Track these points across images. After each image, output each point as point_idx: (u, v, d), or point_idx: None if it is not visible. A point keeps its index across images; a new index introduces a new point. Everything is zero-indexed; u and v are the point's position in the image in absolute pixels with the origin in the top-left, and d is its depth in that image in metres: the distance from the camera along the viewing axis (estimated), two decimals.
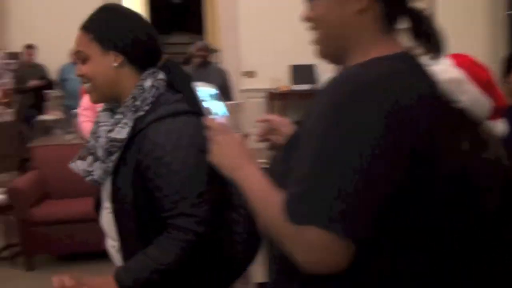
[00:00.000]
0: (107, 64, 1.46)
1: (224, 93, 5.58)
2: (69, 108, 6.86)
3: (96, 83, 1.49)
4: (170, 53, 7.33)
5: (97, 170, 1.51)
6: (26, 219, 3.86)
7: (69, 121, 4.81)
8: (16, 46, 7.54)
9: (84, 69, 1.48)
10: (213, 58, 6.19)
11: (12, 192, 3.91)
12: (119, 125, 1.45)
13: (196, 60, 5.61)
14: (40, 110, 6.86)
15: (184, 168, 1.41)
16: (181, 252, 1.41)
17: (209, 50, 5.85)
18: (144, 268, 1.42)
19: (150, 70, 1.50)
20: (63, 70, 7.54)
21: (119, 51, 1.46)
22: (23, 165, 5.85)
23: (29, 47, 7.31)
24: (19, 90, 6.96)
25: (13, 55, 7.37)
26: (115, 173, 1.48)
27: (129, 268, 1.44)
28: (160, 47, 1.54)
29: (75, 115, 4.90)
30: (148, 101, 1.46)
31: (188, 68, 5.84)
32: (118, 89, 1.48)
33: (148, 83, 1.47)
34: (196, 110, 1.49)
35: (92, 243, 3.81)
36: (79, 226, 3.83)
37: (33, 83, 6.91)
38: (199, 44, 5.83)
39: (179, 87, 1.52)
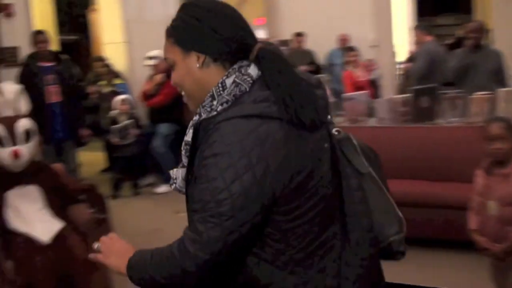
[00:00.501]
0: (190, 66, 1.36)
1: (499, 78, 5.13)
2: (336, 92, 7.18)
3: (186, 89, 1.40)
4: (437, 35, 7.03)
5: (179, 177, 1.44)
6: None
7: (338, 105, 5.01)
8: (287, 34, 8.15)
9: (174, 76, 1.41)
10: (486, 40, 5.73)
11: None
12: (191, 127, 1.35)
13: (469, 43, 5.27)
14: None
15: (220, 178, 1.23)
16: (173, 271, 1.29)
17: (483, 31, 5.43)
18: (146, 269, 1.34)
19: (238, 65, 1.35)
20: (331, 55, 7.89)
21: (200, 51, 1.34)
22: None
23: (299, 35, 7.82)
24: None
25: (284, 43, 7.98)
26: (187, 178, 1.38)
27: (139, 261, 1.36)
28: (250, 37, 1.37)
29: (344, 99, 5.09)
30: (223, 100, 1.31)
31: (459, 52, 5.53)
32: (207, 91, 1.35)
33: (230, 80, 1.32)
34: (280, 113, 1.27)
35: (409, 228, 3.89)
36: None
37: (302, 68, 7.39)
38: (471, 25, 5.45)
39: (269, 82, 1.31)
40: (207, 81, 1.35)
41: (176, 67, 1.39)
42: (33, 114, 3.11)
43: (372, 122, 4.80)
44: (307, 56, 7.72)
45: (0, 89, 2.94)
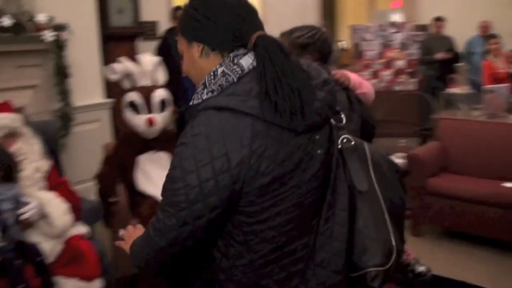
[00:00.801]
0: (193, 55, 1.34)
1: None
2: (474, 83, 6.69)
3: (192, 77, 1.39)
4: None
5: None
6: (422, 187, 3.98)
7: (476, 97, 4.66)
8: (426, 18, 7.74)
9: (183, 65, 1.41)
10: None
11: (412, 159, 4.08)
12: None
13: None
14: (445, 82, 6.91)
15: (179, 168, 1.22)
16: (147, 252, 1.33)
17: None
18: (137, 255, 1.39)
19: (233, 54, 1.29)
20: (470, 43, 7.37)
21: (198, 40, 1.32)
22: (423, 134, 6.05)
23: (438, 19, 7.37)
24: (425, 61, 7.15)
25: (422, 27, 7.58)
26: None
27: (133, 248, 1.41)
28: (251, 26, 1.30)
29: (483, 91, 4.73)
30: (210, 89, 1.27)
31: None
32: None
33: (221, 69, 1.28)
34: (257, 109, 1.20)
35: (480, 227, 3.71)
36: (472, 206, 3.74)
37: (440, 55, 6.97)
38: None
39: (256, 72, 1.25)
40: (207, 70, 1.32)
41: (184, 57, 1.41)
42: (168, 85, 3.27)
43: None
44: (446, 42, 7.27)
45: (139, 60, 3.12)
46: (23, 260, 2.17)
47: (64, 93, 3.85)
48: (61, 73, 3.80)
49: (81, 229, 2.58)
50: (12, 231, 2.23)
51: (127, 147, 3.13)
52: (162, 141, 3.15)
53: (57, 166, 2.84)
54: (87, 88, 3.47)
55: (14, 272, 2.05)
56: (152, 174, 3.10)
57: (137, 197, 3.08)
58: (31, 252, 2.25)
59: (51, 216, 2.37)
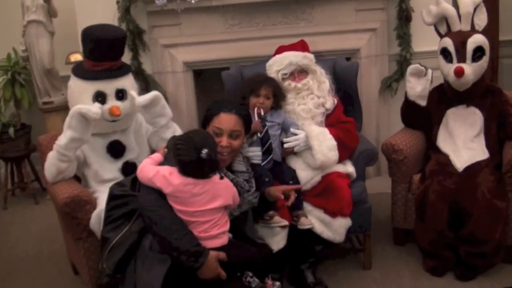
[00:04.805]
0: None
1: None
2: None
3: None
4: None
5: None
6: None
7: None
8: None
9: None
10: None
11: None
12: None
13: None
14: None
15: None
16: None
17: None
18: None
19: None
20: None
21: None
22: None
23: None
24: None
25: None
26: None
27: None
28: None
29: None
30: None
31: None
32: None
33: None
34: None
35: None
36: None
37: None
38: None
39: None
40: None
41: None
42: None
43: None
44: None
45: (458, 1, 2.79)
46: (274, 178, 2.38)
47: (404, 37, 3.79)
48: (403, 17, 3.72)
49: (347, 168, 2.60)
50: (274, 153, 2.45)
51: (437, 97, 2.93)
52: (474, 95, 2.82)
53: (351, 108, 2.92)
54: (428, 34, 3.31)
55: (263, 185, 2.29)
56: (454, 131, 2.84)
57: (432, 151, 2.89)
58: (283, 175, 2.44)
59: (315, 149, 2.47)
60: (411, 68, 2.89)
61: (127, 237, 1.96)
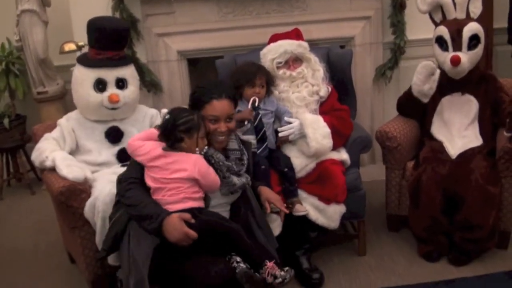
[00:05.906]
0: None
1: None
2: None
3: None
4: None
5: None
6: None
7: None
8: None
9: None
10: None
11: None
12: None
13: None
14: None
15: None
16: None
17: None
18: None
19: None
20: None
21: None
22: None
23: None
24: None
25: None
26: None
27: None
28: None
29: None
30: None
31: None
32: None
33: None
34: None
35: None
36: None
37: None
38: None
39: None
40: None
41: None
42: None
43: None
44: None
45: None
46: (269, 165, 2.43)
47: (398, 25, 3.79)
48: (397, 5, 3.73)
49: (342, 155, 2.61)
50: (268, 141, 2.48)
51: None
52: (470, 83, 2.82)
53: (345, 96, 2.93)
54: (422, 22, 3.31)
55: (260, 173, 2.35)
56: (449, 120, 2.85)
57: (426, 138, 2.90)
58: (278, 162, 2.47)
59: (309, 137, 2.48)
60: (425, 65, 2.87)
61: (124, 214, 2.02)
